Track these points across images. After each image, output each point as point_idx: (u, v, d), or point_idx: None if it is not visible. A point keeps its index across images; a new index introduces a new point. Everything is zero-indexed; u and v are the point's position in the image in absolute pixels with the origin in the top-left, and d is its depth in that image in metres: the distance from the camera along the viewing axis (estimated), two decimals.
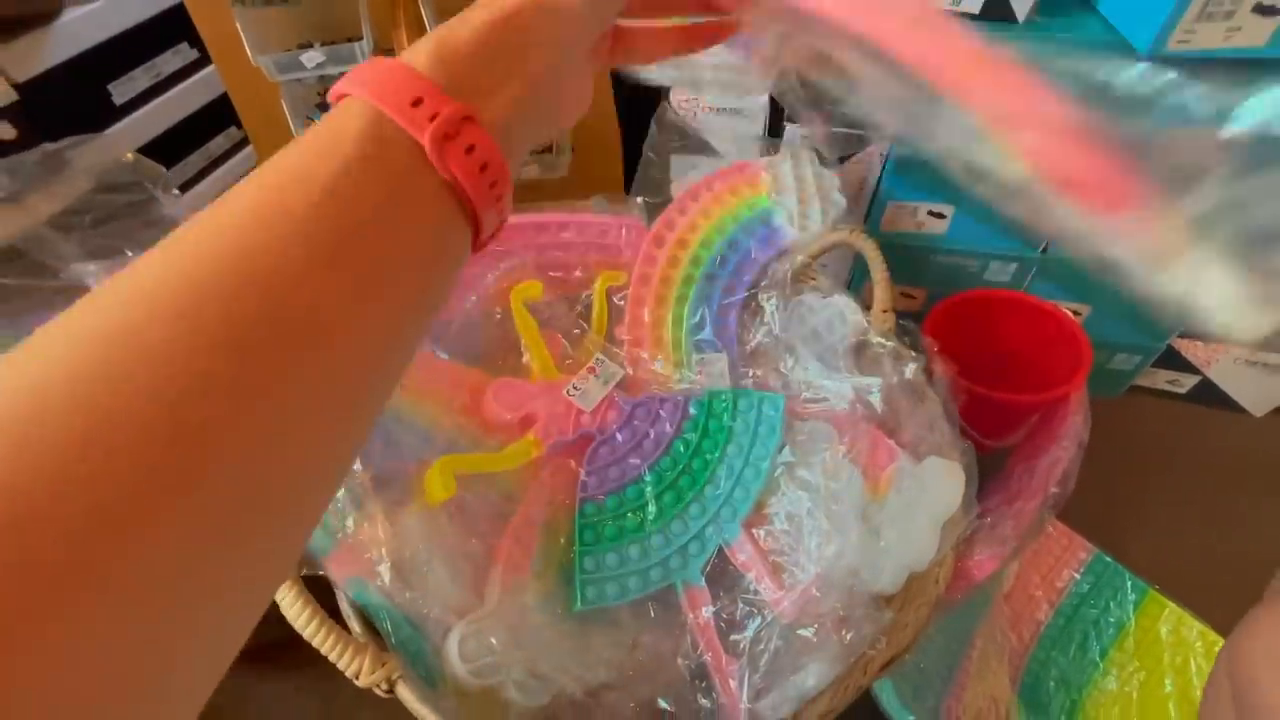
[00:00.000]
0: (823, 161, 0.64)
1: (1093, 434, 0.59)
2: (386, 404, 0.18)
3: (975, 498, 0.40)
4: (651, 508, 0.47)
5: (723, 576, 0.47)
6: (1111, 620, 0.59)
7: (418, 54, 0.19)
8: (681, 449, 0.50)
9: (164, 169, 0.40)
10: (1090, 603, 0.60)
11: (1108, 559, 0.62)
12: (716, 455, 0.50)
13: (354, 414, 0.17)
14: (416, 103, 0.17)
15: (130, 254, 0.33)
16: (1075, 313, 0.76)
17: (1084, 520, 0.66)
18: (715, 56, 0.37)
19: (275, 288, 0.14)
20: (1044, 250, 0.71)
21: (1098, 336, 0.68)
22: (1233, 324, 0.20)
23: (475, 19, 0.20)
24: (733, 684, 0.42)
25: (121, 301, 0.14)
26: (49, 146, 0.48)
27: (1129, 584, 0.60)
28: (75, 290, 0.31)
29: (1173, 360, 0.82)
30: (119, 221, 0.36)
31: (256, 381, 0.14)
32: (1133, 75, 0.49)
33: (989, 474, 0.50)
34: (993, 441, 0.69)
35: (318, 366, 0.15)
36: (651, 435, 0.50)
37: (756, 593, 0.45)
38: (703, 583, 0.45)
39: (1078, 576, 0.61)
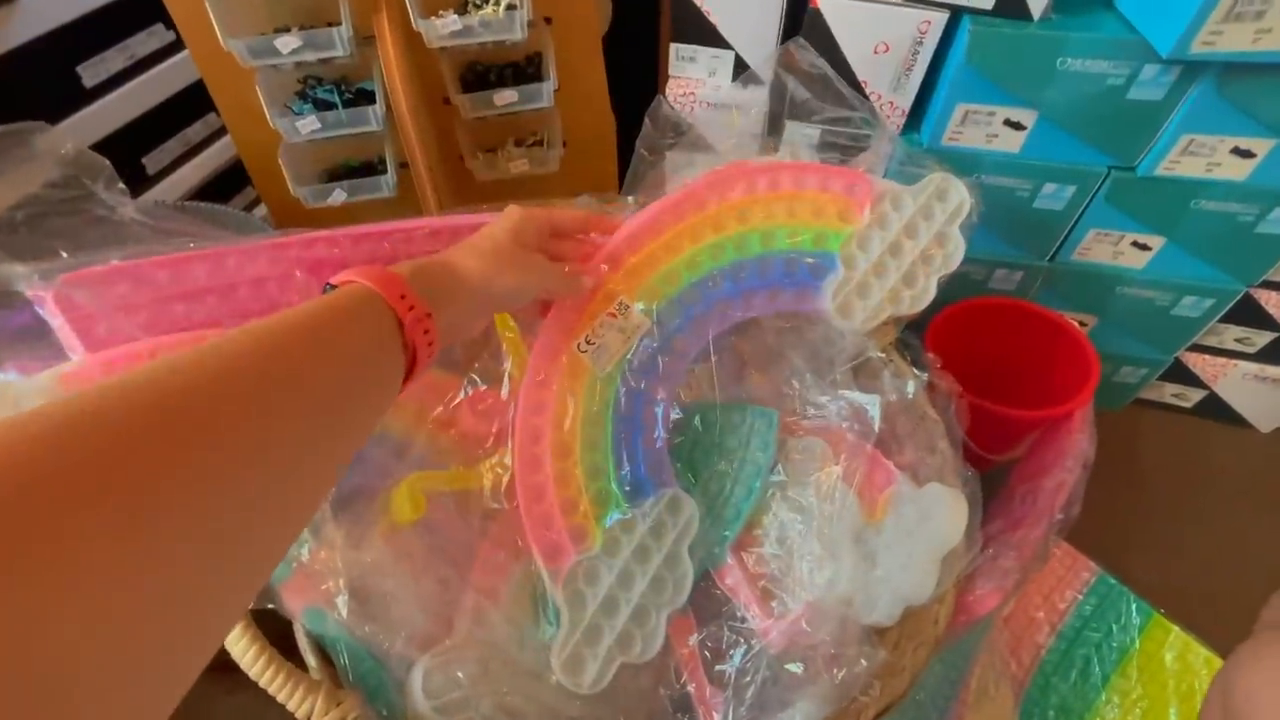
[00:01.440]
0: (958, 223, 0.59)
1: (1096, 448, 0.57)
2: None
3: (979, 530, 0.37)
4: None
5: (709, 601, 0.44)
6: (1115, 645, 0.57)
7: (404, 270, 0.32)
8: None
9: (108, 162, 0.37)
10: (1093, 626, 0.58)
11: (1111, 580, 0.60)
12: (705, 472, 0.47)
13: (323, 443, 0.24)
14: (402, 296, 0.30)
15: (65, 255, 0.30)
16: (1081, 323, 0.74)
17: (1084, 537, 0.63)
18: None
19: (294, 375, 0.23)
20: (1051, 259, 0.69)
21: (1104, 348, 0.65)
22: None
23: (441, 265, 0.35)
24: (716, 717, 0.40)
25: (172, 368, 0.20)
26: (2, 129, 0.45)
27: (1133, 607, 0.58)
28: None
29: (1180, 374, 0.80)
30: (60, 219, 0.34)
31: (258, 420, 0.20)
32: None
33: (989, 494, 0.47)
34: (993, 455, 0.67)
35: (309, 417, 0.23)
36: None
37: (744, 620, 0.43)
38: (688, 610, 0.43)
39: (1080, 598, 0.59)
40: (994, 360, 0.68)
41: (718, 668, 0.41)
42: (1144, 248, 0.65)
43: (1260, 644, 0.33)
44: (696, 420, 0.48)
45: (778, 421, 0.48)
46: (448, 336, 0.33)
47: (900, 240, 0.49)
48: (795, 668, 0.38)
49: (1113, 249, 0.66)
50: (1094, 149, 0.58)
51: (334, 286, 0.30)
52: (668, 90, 0.67)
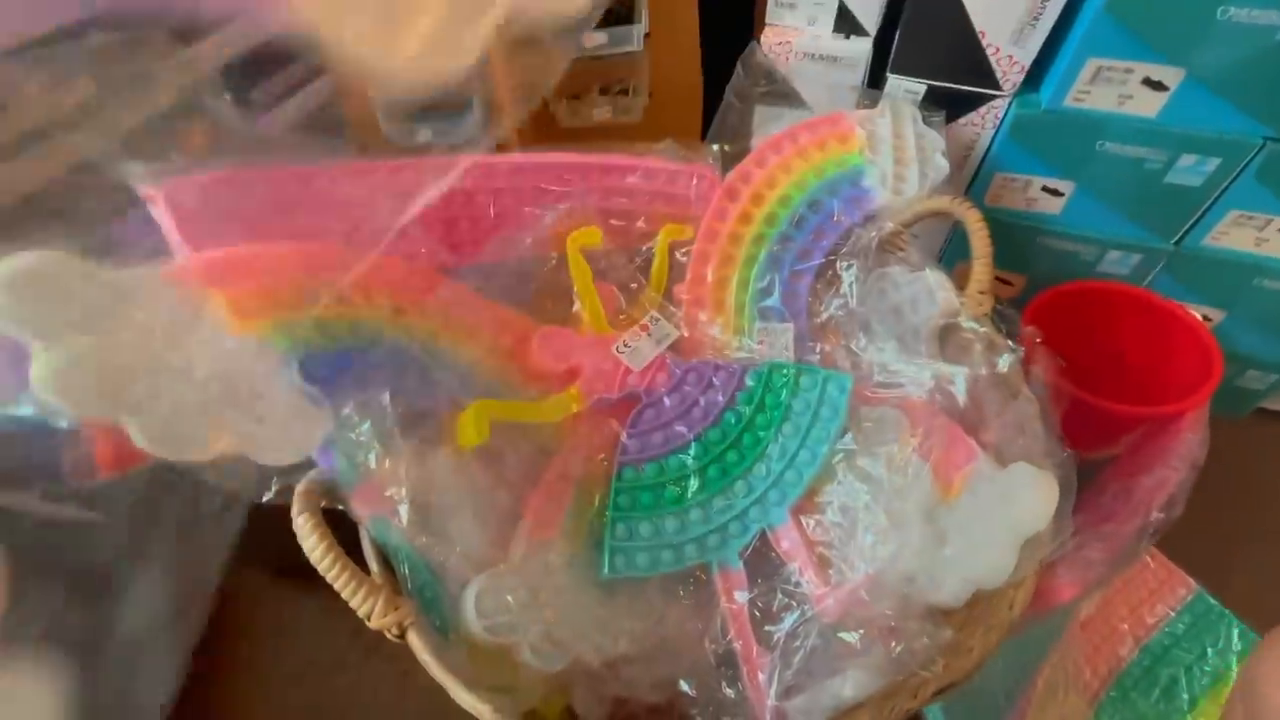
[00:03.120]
0: (926, 120, 0.57)
1: (1207, 457, 0.51)
2: None
3: (1069, 518, 0.34)
4: (693, 480, 0.44)
5: (763, 564, 0.43)
6: (1208, 668, 0.52)
7: None
8: (732, 421, 0.46)
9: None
10: (1184, 646, 0.53)
11: (1211, 600, 0.54)
12: (770, 433, 0.46)
13: None
14: None
15: (176, 158, 0.32)
16: (1205, 318, 0.66)
17: (1184, 553, 0.58)
18: None
19: None
20: (1177, 242, 0.62)
21: (1227, 347, 0.58)
22: None
23: None
24: (761, 677, 0.39)
25: None
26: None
27: (1235, 631, 0.53)
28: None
29: None
30: (183, 128, 0.36)
31: None
32: None
33: (1078, 488, 0.43)
34: (1087, 452, 0.61)
35: None
36: (701, 403, 0.47)
37: (798, 585, 0.41)
38: (740, 566, 0.42)
39: (1172, 614, 0.54)
40: (1098, 351, 0.62)
41: (766, 628, 0.40)
42: None
43: None
44: (766, 379, 0.47)
45: (851, 387, 0.45)
46: None
47: (899, 134, 0.54)
48: (850, 636, 0.36)
49: (1256, 234, 0.58)
50: (1249, 116, 0.51)
51: None
52: (763, 38, 0.64)
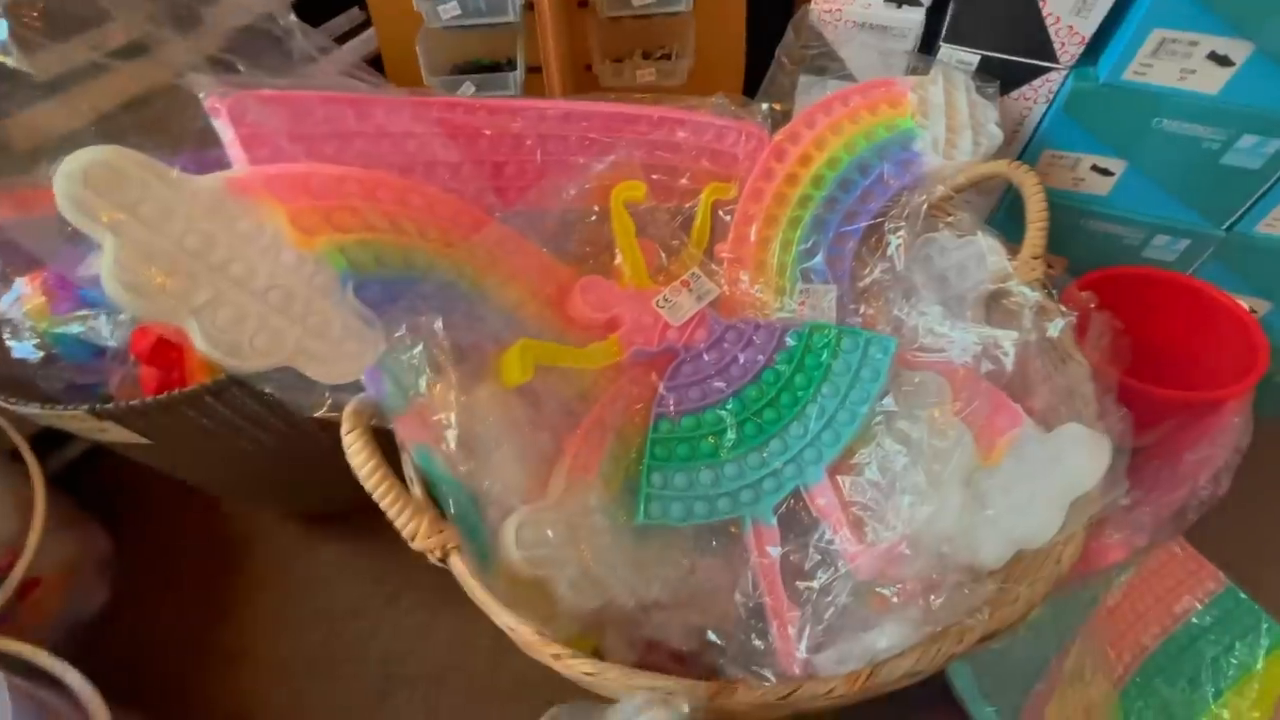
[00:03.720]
0: (980, 90, 0.56)
1: (1244, 454, 0.50)
2: None
3: (1123, 475, 0.34)
4: (730, 435, 0.44)
5: (796, 522, 0.43)
6: (1235, 661, 0.51)
7: None
8: (771, 379, 0.46)
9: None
10: (1211, 637, 0.52)
11: (1242, 595, 0.54)
12: (809, 392, 0.45)
13: None
14: None
15: (242, 70, 0.32)
16: (1251, 309, 0.65)
17: (1216, 548, 0.57)
18: None
19: None
20: (1229, 228, 0.60)
21: (1274, 340, 0.57)
22: None
23: None
24: (791, 631, 0.38)
25: None
26: None
27: (1264, 626, 0.52)
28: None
29: None
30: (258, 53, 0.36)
31: None
32: None
33: None
34: None
35: None
36: (741, 360, 0.46)
37: (831, 544, 0.41)
38: (773, 522, 0.42)
39: (1200, 606, 0.53)
40: (1139, 338, 0.61)
41: (798, 584, 0.40)
42: None
43: None
44: (807, 338, 0.46)
45: (894, 350, 0.45)
46: None
47: (952, 100, 0.53)
48: (886, 590, 0.36)
49: None
50: None
51: None
52: (814, 5, 0.63)
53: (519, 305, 0.42)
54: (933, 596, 0.34)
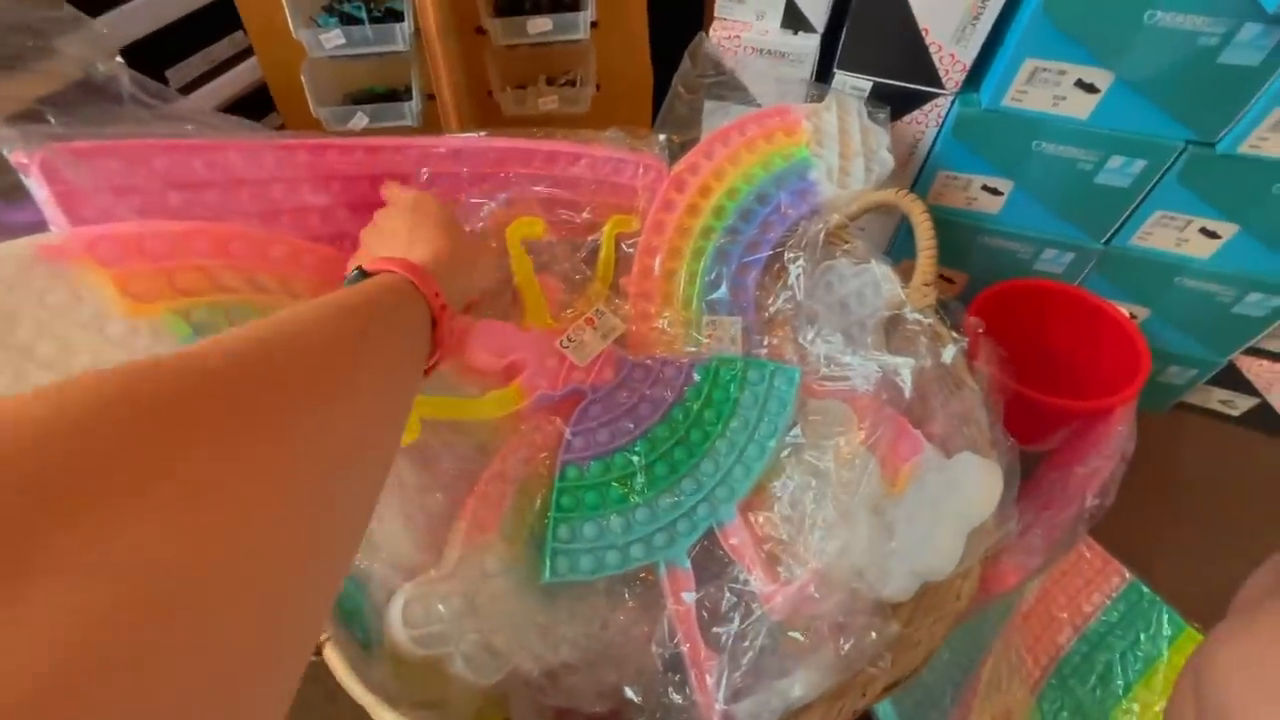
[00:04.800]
0: (872, 116, 0.57)
1: (1133, 450, 0.53)
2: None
3: (1014, 504, 0.34)
4: (640, 478, 0.43)
5: (711, 562, 0.42)
6: (1140, 654, 0.53)
7: (426, 262, 0.33)
8: (680, 417, 0.45)
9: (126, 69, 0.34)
10: (1119, 633, 0.54)
11: (1144, 588, 0.56)
12: (718, 428, 0.44)
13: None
14: (436, 294, 0.31)
15: (53, 120, 0.28)
16: (1132, 315, 0.69)
17: (1115, 542, 0.60)
18: None
19: (347, 384, 0.21)
20: (1107, 242, 0.64)
21: (1152, 344, 0.61)
22: None
23: (442, 251, 0.35)
24: (709, 680, 0.37)
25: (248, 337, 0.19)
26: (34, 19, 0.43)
27: (1165, 617, 0.55)
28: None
29: (1231, 378, 0.75)
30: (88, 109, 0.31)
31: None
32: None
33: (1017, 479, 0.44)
34: (1026, 446, 0.63)
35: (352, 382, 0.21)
36: (649, 398, 0.45)
37: (746, 583, 0.40)
38: (688, 565, 0.41)
39: (1108, 602, 0.55)
40: (1034, 347, 0.64)
41: (714, 630, 0.39)
42: (1212, 235, 0.60)
43: (1233, 626, 0.30)
44: (714, 373, 0.46)
45: (799, 380, 0.45)
46: (457, 304, 0.35)
47: (845, 128, 0.54)
48: (798, 635, 0.35)
49: (1177, 235, 0.61)
50: (1172, 119, 0.53)
51: (362, 271, 0.30)
52: (712, 32, 0.63)
53: None
54: (842, 639, 0.33)
